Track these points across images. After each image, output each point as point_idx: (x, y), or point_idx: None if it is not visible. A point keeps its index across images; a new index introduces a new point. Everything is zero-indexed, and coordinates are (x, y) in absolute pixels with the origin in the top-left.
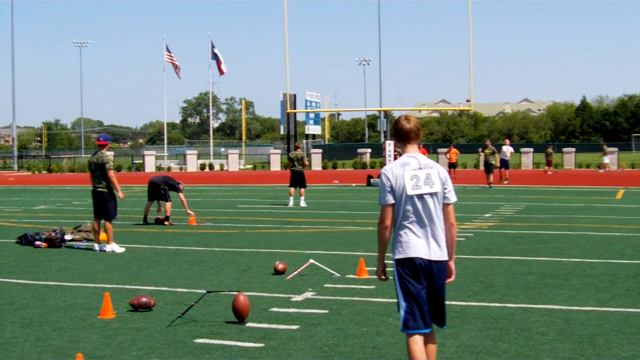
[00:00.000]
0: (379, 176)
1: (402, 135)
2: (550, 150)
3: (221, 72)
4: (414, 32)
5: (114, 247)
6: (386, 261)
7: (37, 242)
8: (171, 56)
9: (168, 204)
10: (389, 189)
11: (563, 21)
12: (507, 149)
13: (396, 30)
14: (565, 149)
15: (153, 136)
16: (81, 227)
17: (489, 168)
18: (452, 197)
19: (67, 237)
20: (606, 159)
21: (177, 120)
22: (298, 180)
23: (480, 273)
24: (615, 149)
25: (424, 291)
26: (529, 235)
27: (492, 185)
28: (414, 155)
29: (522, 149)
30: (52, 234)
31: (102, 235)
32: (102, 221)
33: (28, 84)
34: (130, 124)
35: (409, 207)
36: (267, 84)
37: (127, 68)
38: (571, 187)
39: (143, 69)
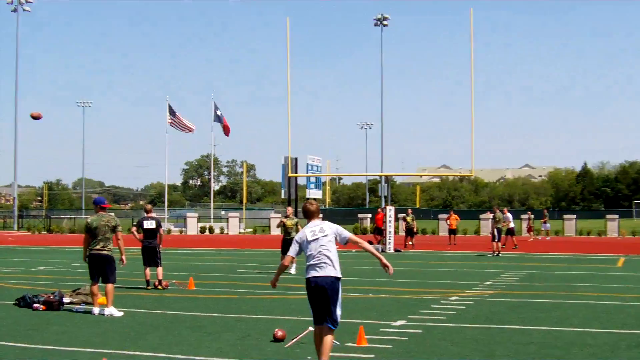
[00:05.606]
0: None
1: (308, 214)
2: (529, 215)
3: (227, 131)
4: (417, 97)
5: (112, 310)
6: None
7: (36, 305)
8: (174, 119)
9: (159, 269)
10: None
11: (564, 87)
12: (509, 216)
13: (399, 95)
14: (566, 216)
15: (154, 198)
16: (80, 290)
17: (498, 235)
18: (347, 235)
19: (66, 300)
20: (546, 226)
21: (179, 182)
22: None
23: (481, 342)
24: (616, 216)
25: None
26: (530, 303)
27: (500, 252)
28: (313, 221)
29: (523, 216)
30: (51, 297)
31: (101, 299)
32: (99, 284)
33: (30, 143)
34: (131, 185)
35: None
36: (268, 147)
37: (129, 129)
38: (572, 254)
39: (145, 130)
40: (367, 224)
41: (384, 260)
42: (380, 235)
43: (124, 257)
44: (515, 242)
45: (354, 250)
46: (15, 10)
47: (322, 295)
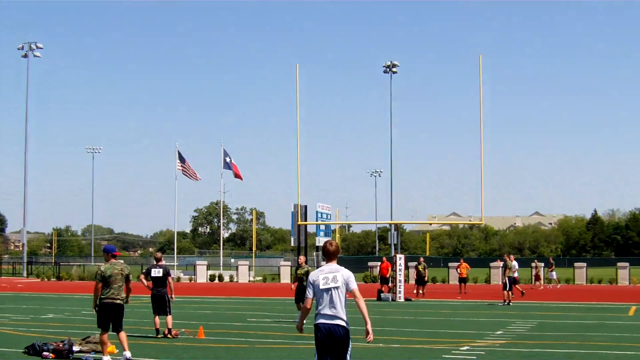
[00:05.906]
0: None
1: (326, 254)
2: (536, 263)
3: (239, 177)
4: (426, 144)
5: (129, 354)
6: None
7: (45, 353)
8: (184, 166)
9: (169, 318)
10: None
11: (574, 136)
12: (515, 265)
13: (408, 142)
14: (576, 264)
15: (163, 245)
16: (90, 339)
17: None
18: (352, 287)
19: (75, 348)
20: (552, 275)
21: (188, 229)
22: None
23: None
24: (627, 264)
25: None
26: (541, 353)
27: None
28: (329, 265)
29: (533, 264)
30: (60, 345)
31: (110, 348)
32: (107, 333)
33: (39, 189)
34: (140, 232)
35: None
36: (278, 195)
37: (138, 175)
38: (583, 303)
39: (155, 177)
40: (377, 272)
41: (368, 327)
42: (386, 284)
43: (128, 298)
44: (521, 289)
45: (364, 298)
46: (25, 56)
47: (334, 341)
